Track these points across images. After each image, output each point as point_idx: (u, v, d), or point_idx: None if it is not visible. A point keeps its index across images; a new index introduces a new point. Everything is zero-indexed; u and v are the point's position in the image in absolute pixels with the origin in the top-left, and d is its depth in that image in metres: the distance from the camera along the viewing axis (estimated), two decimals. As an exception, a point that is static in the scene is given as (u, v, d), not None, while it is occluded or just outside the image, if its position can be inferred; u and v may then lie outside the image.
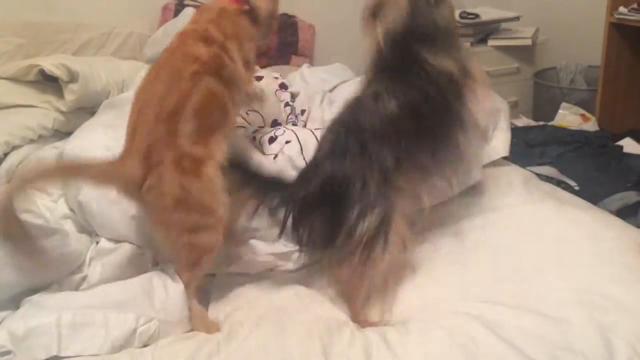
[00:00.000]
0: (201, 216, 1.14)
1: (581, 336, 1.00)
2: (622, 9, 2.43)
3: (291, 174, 1.34)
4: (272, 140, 1.45)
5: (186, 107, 1.15)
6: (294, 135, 1.44)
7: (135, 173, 1.11)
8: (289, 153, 1.39)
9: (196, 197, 1.13)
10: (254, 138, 1.49)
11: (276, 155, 1.41)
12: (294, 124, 1.69)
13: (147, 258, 1.29)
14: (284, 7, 2.78)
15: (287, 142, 1.42)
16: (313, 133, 1.44)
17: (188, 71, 1.17)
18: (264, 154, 1.43)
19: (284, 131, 1.46)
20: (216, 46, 1.21)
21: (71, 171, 1.11)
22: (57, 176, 1.12)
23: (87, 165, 1.13)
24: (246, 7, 1.30)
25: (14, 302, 1.12)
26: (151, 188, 1.12)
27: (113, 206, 1.28)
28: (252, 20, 1.32)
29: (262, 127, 1.59)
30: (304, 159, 1.37)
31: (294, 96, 1.84)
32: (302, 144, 1.41)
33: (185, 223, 1.14)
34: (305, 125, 1.71)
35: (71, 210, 1.40)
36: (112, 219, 1.30)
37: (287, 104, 1.77)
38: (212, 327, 1.16)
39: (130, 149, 1.14)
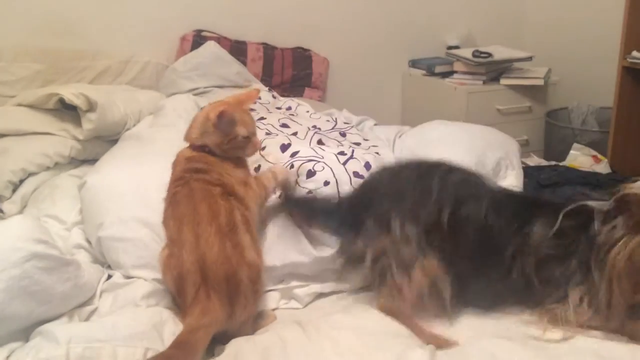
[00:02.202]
0: None
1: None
2: (635, 53, 2.44)
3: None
4: (310, 174, 1.47)
5: (237, 222, 1.23)
6: (332, 175, 1.46)
7: (223, 314, 1.16)
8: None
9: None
10: (292, 165, 1.51)
11: (310, 192, 1.43)
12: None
13: (161, 294, 1.28)
14: (299, 41, 2.86)
15: (325, 183, 1.44)
16: (348, 174, 1.47)
17: (216, 192, 1.25)
18: (297, 183, 1.46)
19: (323, 167, 1.48)
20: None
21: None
22: None
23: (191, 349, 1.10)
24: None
25: (25, 334, 1.11)
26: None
27: (132, 245, 1.30)
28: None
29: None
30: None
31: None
32: (339, 188, 1.43)
33: None
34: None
35: (87, 241, 1.40)
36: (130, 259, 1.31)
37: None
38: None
39: (206, 293, 1.16)
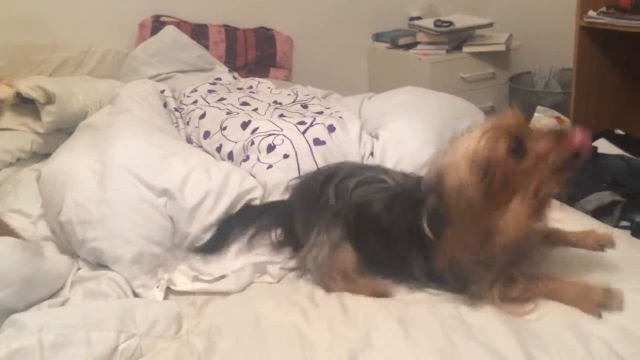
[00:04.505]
0: None
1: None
2: (591, 12, 2.48)
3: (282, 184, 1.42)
4: (270, 149, 1.49)
5: None
6: (292, 147, 1.48)
7: None
8: (284, 168, 1.45)
9: None
10: (253, 142, 1.51)
11: (270, 166, 1.45)
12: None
13: (127, 289, 1.29)
14: (261, 20, 2.85)
15: (285, 156, 1.46)
16: (308, 143, 1.49)
17: None
18: (259, 160, 1.47)
19: (283, 140, 1.49)
20: None
21: None
22: None
23: None
24: None
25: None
26: None
27: (90, 226, 1.30)
28: None
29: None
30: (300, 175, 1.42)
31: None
32: (298, 159, 1.45)
33: None
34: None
35: (52, 232, 1.40)
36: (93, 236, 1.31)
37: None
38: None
39: None
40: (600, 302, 1.05)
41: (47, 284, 1.22)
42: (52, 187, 1.41)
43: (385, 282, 1.25)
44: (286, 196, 1.42)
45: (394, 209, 1.18)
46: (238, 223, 1.37)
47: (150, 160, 1.41)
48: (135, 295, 1.28)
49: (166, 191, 1.36)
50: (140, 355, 1.11)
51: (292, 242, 1.35)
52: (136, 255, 1.29)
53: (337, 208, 1.24)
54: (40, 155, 1.80)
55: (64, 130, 1.82)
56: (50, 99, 1.74)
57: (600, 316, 1.05)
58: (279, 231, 1.37)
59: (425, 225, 1.07)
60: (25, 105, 1.82)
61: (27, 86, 1.74)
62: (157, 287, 1.30)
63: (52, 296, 1.24)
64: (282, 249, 1.36)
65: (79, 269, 1.35)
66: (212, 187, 1.38)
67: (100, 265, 1.33)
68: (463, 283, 1.14)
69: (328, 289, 1.24)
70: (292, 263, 1.36)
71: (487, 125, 1.03)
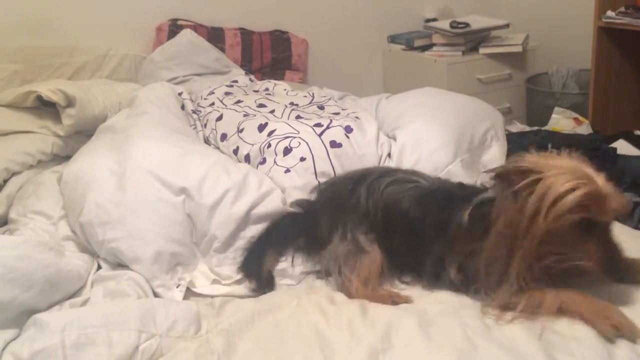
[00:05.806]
0: None
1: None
2: (609, 12, 2.46)
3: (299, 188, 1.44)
4: (286, 151, 1.50)
5: None
6: (308, 150, 1.48)
7: None
8: (301, 172, 1.46)
9: None
10: (269, 145, 1.52)
11: (288, 170, 1.45)
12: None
13: (147, 288, 1.29)
14: (277, 23, 2.86)
15: (301, 159, 1.47)
16: (325, 146, 1.49)
17: None
18: (275, 163, 1.48)
19: (299, 143, 1.50)
20: None
21: None
22: None
23: None
24: None
25: (17, 322, 1.12)
26: None
27: (110, 227, 1.31)
28: None
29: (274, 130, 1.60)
30: (317, 178, 1.45)
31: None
32: (315, 163, 1.46)
33: None
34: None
35: (73, 232, 1.41)
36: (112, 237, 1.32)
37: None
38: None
39: None
40: (616, 325, 1.00)
41: (68, 284, 1.24)
42: (73, 189, 1.43)
43: (407, 287, 1.27)
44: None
45: (424, 204, 1.22)
46: (272, 246, 1.37)
47: (168, 160, 1.43)
48: (155, 295, 1.29)
49: (184, 189, 1.37)
50: (160, 355, 1.12)
51: (316, 246, 1.35)
52: (155, 255, 1.30)
53: (365, 209, 1.26)
54: (61, 157, 1.82)
55: (84, 132, 1.84)
56: (70, 102, 1.76)
57: (612, 341, 0.99)
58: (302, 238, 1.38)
59: (465, 213, 1.11)
60: (45, 108, 1.84)
61: (47, 89, 1.76)
62: (177, 287, 1.31)
63: (73, 295, 1.26)
64: (305, 253, 1.37)
65: (99, 267, 1.36)
66: (232, 185, 1.39)
67: (120, 264, 1.34)
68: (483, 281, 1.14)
69: (349, 294, 1.25)
70: (310, 265, 1.36)
71: (594, 183, 1.05)
